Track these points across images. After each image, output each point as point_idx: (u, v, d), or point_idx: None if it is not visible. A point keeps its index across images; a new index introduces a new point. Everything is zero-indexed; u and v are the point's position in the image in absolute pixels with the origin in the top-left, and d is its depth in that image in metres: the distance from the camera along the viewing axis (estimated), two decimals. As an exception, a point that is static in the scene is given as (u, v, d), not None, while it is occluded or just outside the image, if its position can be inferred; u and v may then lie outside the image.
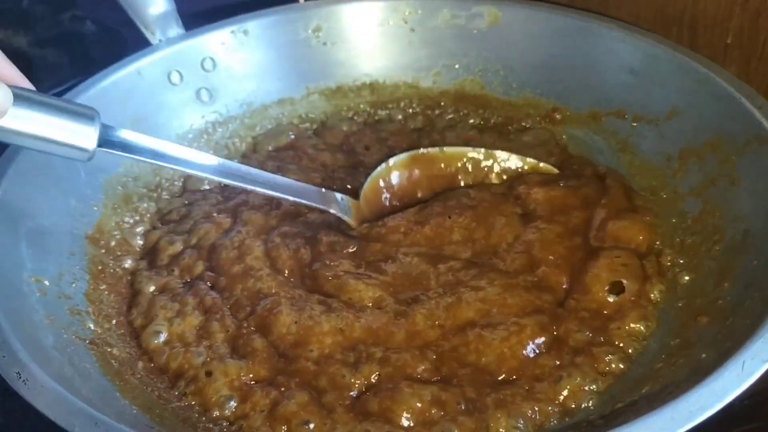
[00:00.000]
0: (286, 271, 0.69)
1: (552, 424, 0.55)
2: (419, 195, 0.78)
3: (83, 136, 0.52)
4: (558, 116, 0.83)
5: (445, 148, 0.78)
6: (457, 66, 0.88)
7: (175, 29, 0.83)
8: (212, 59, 0.84)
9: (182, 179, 0.81)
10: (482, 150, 0.79)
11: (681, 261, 0.66)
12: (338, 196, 0.72)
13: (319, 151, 0.84)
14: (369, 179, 0.76)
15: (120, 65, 0.79)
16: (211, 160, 0.63)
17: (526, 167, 0.78)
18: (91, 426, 0.45)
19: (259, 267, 0.68)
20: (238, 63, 0.86)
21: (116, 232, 0.73)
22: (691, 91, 0.71)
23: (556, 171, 0.78)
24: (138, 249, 0.74)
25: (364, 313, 0.63)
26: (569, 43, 0.81)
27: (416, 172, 0.78)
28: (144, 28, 0.81)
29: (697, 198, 0.68)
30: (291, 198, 0.68)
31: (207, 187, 0.81)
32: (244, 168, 0.66)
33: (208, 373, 0.60)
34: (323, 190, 0.72)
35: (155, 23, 0.81)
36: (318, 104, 0.90)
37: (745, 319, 0.52)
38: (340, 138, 0.87)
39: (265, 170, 0.67)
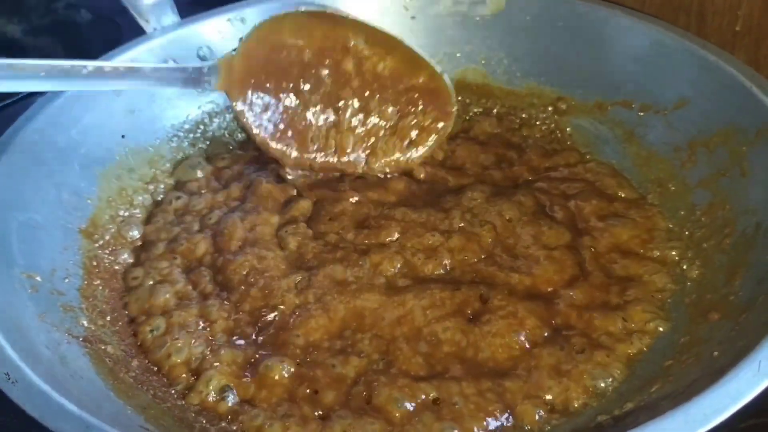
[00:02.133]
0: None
1: (558, 423, 0.53)
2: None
3: None
4: (563, 106, 0.81)
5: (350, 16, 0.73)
6: (458, 54, 0.86)
7: (170, 17, 0.81)
8: (209, 47, 0.82)
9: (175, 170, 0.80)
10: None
11: (690, 255, 0.64)
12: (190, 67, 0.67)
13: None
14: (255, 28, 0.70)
15: (114, 54, 0.77)
16: None
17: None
18: (82, 430, 0.43)
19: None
20: (234, 51, 0.84)
21: (111, 226, 0.71)
22: (700, 80, 0.69)
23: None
24: (133, 242, 0.72)
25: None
26: (574, 31, 0.79)
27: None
28: (138, 16, 0.80)
29: (707, 190, 0.66)
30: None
31: (200, 175, 0.79)
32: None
33: (206, 365, 0.59)
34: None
35: (150, 11, 0.79)
36: (317, 93, 0.88)
37: (758, 316, 0.51)
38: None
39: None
